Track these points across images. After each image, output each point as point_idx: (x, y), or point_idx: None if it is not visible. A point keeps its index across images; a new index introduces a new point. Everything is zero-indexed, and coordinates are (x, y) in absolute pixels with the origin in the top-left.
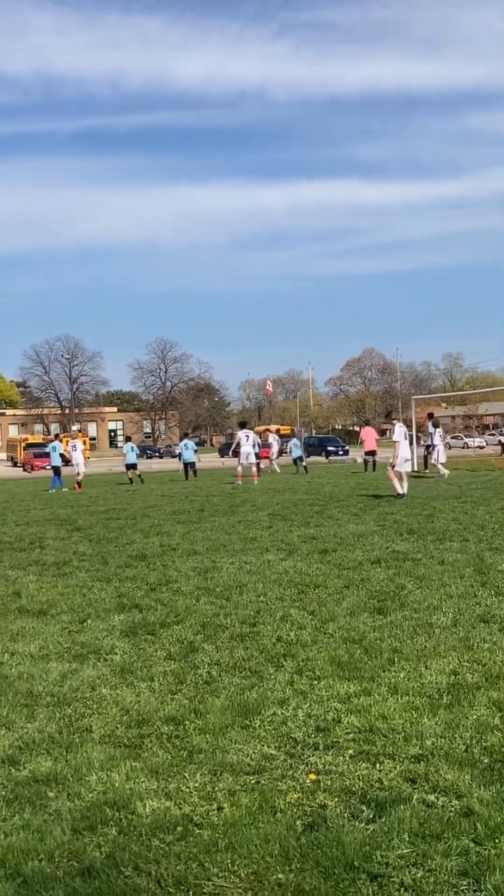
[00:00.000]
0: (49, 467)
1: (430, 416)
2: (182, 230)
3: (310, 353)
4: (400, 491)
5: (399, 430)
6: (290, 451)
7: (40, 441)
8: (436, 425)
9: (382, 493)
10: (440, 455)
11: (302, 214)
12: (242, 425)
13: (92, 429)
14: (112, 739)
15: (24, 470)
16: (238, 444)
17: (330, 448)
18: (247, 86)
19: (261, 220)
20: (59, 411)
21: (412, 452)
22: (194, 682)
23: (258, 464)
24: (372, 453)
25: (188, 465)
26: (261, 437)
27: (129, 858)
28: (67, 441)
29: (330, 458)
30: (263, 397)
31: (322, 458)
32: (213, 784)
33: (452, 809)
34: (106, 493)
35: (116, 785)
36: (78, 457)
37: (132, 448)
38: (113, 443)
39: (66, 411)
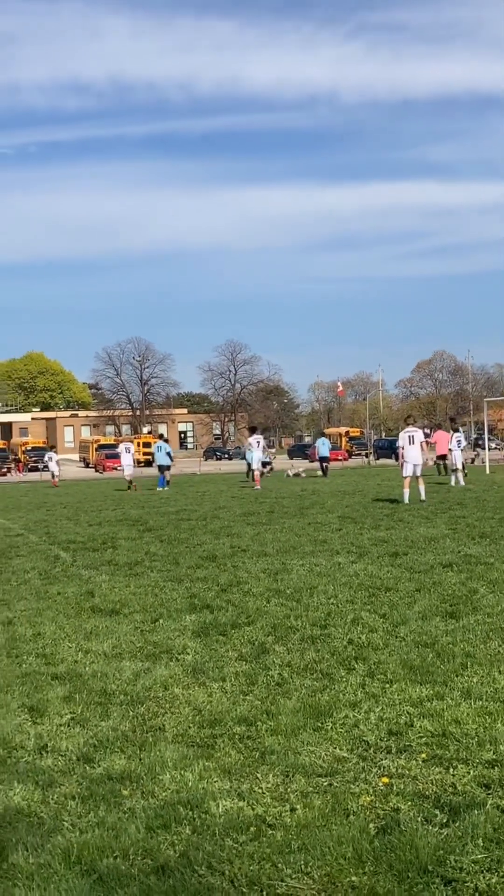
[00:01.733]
0: (122, 465)
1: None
2: (252, 233)
3: (380, 354)
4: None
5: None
6: (318, 451)
7: (111, 442)
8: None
9: (453, 497)
10: (457, 461)
11: (372, 216)
12: (253, 430)
13: (162, 430)
14: (185, 739)
15: (96, 470)
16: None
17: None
18: (317, 88)
19: (331, 223)
20: (130, 413)
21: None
22: (266, 684)
23: (268, 470)
24: (443, 457)
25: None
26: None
27: (202, 858)
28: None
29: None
30: (333, 399)
31: (392, 461)
32: (286, 785)
33: None
34: (176, 494)
35: (190, 784)
36: (128, 459)
37: (159, 448)
38: (183, 444)
39: (137, 413)
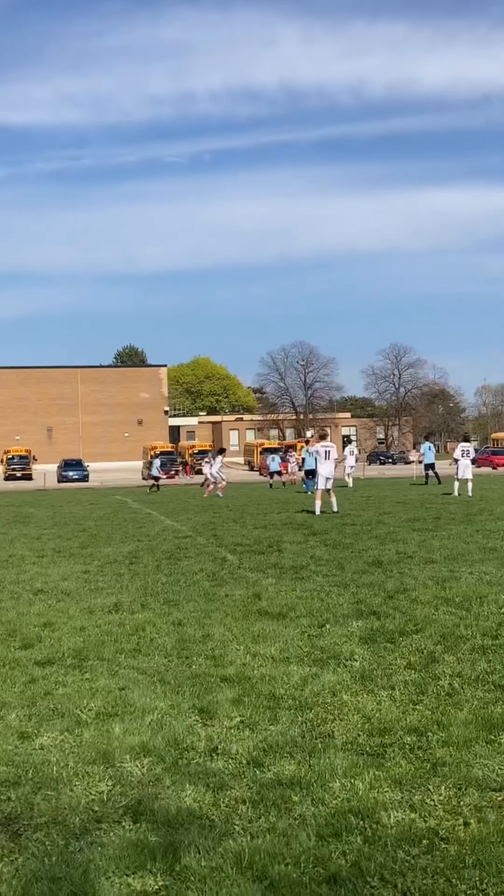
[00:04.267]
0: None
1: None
2: (422, 235)
3: None
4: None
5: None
6: (424, 457)
7: (276, 446)
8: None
9: None
10: (460, 471)
11: None
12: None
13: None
14: (354, 747)
15: (261, 474)
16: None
17: None
18: (491, 87)
19: (502, 223)
20: (293, 417)
21: None
22: (436, 693)
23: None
24: None
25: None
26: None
27: (374, 869)
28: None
29: None
30: (500, 403)
31: None
32: (459, 798)
33: None
34: (341, 498)
35: (360, 793)
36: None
37: (309, 452)
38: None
39: (301, 417)
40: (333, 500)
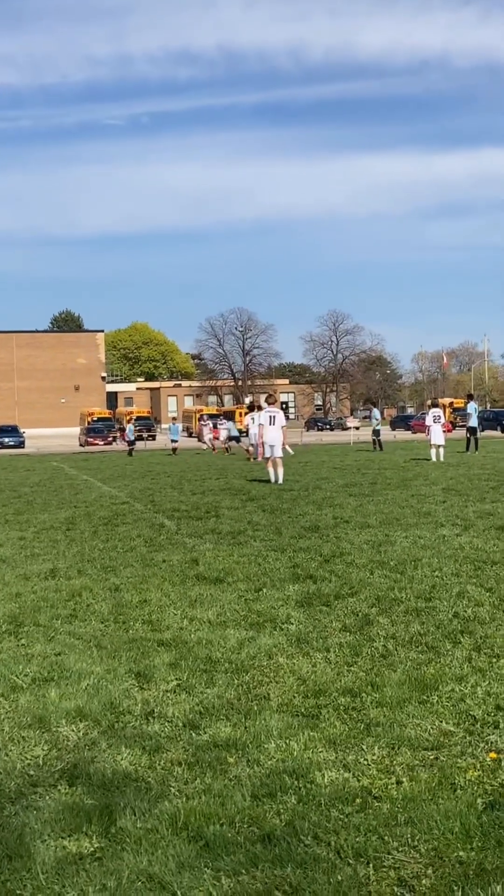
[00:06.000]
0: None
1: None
2: (359, 201)
3: (485, 324)
4: (272, 477)
5: (264, 416)
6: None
7: (214, 412)
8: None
9: None
10: (434, 437)
11: (484, 183)
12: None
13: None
14: (289, 708)
15: (198, 441)
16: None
17: None
18: (429, 54)
19: (440, 190)
20: (232, 383)
21: None
22: (370, 655)
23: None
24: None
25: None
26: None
27: (308, 827)
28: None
29: None
30: (437, 370)
31: (498, 433)
32: (392, 758)
33: None
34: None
35: (295, 754)
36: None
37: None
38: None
39: (240, 383)
40: (280, 470)
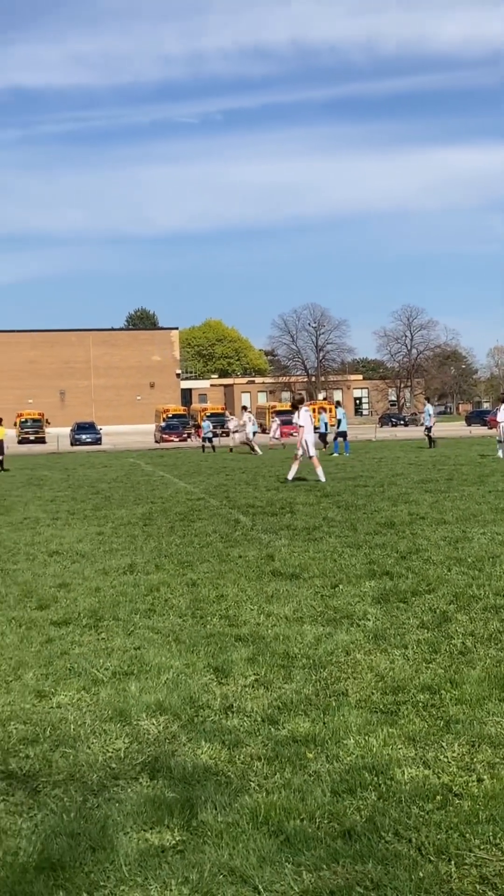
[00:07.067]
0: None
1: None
2: (432, 194)
3: None
4: (321, 476)
5: (305, 414)
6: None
7: (288, 409)
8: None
9: None
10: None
11: None
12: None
13: (337, 396)
14: (368, 705)
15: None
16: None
17: None
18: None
19: None
20: (305, 379)
21: None
22: (449, 652)
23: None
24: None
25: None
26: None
27: (389, 824)
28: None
29: None
30: None
31: None
32: (472, 755)
33: None
34: (352, 460)
35: (374, 750)
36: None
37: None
38: (358, 411)
39: (313, 379)
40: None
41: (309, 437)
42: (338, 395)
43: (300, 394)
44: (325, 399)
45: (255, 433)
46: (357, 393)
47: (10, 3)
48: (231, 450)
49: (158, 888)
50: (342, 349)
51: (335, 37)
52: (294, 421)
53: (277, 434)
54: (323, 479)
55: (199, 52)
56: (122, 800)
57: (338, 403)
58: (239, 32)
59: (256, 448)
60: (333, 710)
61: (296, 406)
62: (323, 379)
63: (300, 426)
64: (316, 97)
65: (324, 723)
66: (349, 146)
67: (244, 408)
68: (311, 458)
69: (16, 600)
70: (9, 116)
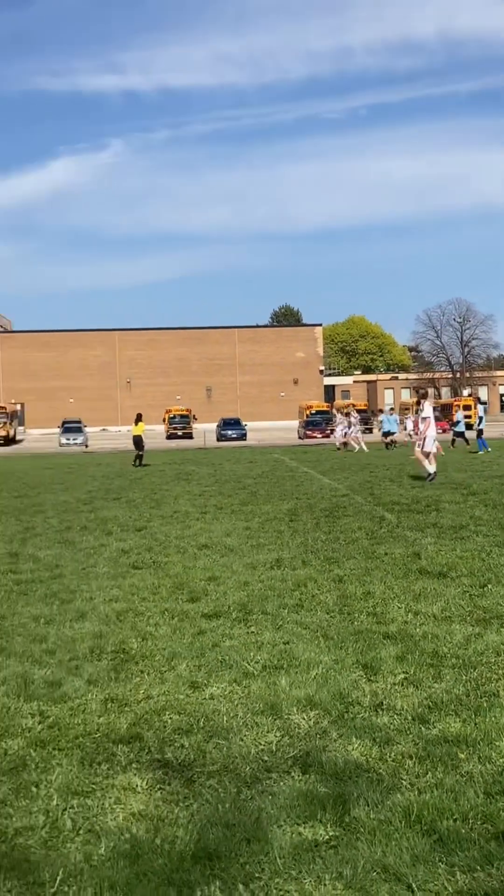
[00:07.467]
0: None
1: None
2: None
3: None
4: (430, 470)
5: (428, 408)
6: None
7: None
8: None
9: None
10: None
11: None
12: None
13: (483, 393)
14: None
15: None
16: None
17: None
18: None
19: None
20: (450, 375)
21: None
22: None
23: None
24: None
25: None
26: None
27: None
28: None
29: None
30: None
31: None
32: None
33: None
34: (499, 457)
35: None
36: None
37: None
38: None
39: (458, 375)
40: (433, 463)
41: (431, 431)
42: (483, 392)
43: (424, 389)
44: (469, 395)
45: (345, 433)
46: (503, 389)
47: (159, 5)
48: (338, 449)
49: (312, 882)
50: (488, 344)
51: (482, 27)
52: (423, 416)
53: (411, 430)
54: (432, 471)
55: (345, 48)
56: (276, 793)
57: (478, 400)
58: (385, 26)
59: (360, 446)
60: (485, 711)
61: (419, 400)
62: (468, 375)
63: (424, 418)
64: (462, 89)
65: (475, 724)
66: (495, 138)
67: (339, 410)
68: (426, 452)
69: (168, 592)
70: (158, 118)
